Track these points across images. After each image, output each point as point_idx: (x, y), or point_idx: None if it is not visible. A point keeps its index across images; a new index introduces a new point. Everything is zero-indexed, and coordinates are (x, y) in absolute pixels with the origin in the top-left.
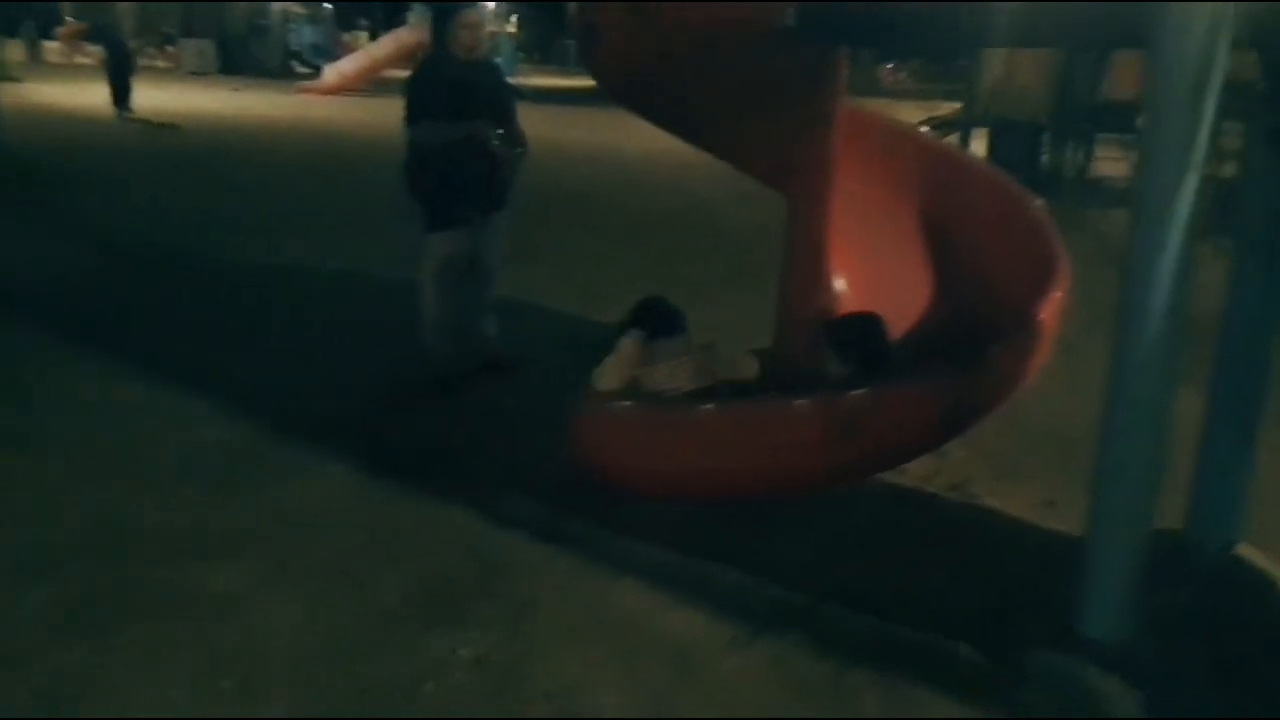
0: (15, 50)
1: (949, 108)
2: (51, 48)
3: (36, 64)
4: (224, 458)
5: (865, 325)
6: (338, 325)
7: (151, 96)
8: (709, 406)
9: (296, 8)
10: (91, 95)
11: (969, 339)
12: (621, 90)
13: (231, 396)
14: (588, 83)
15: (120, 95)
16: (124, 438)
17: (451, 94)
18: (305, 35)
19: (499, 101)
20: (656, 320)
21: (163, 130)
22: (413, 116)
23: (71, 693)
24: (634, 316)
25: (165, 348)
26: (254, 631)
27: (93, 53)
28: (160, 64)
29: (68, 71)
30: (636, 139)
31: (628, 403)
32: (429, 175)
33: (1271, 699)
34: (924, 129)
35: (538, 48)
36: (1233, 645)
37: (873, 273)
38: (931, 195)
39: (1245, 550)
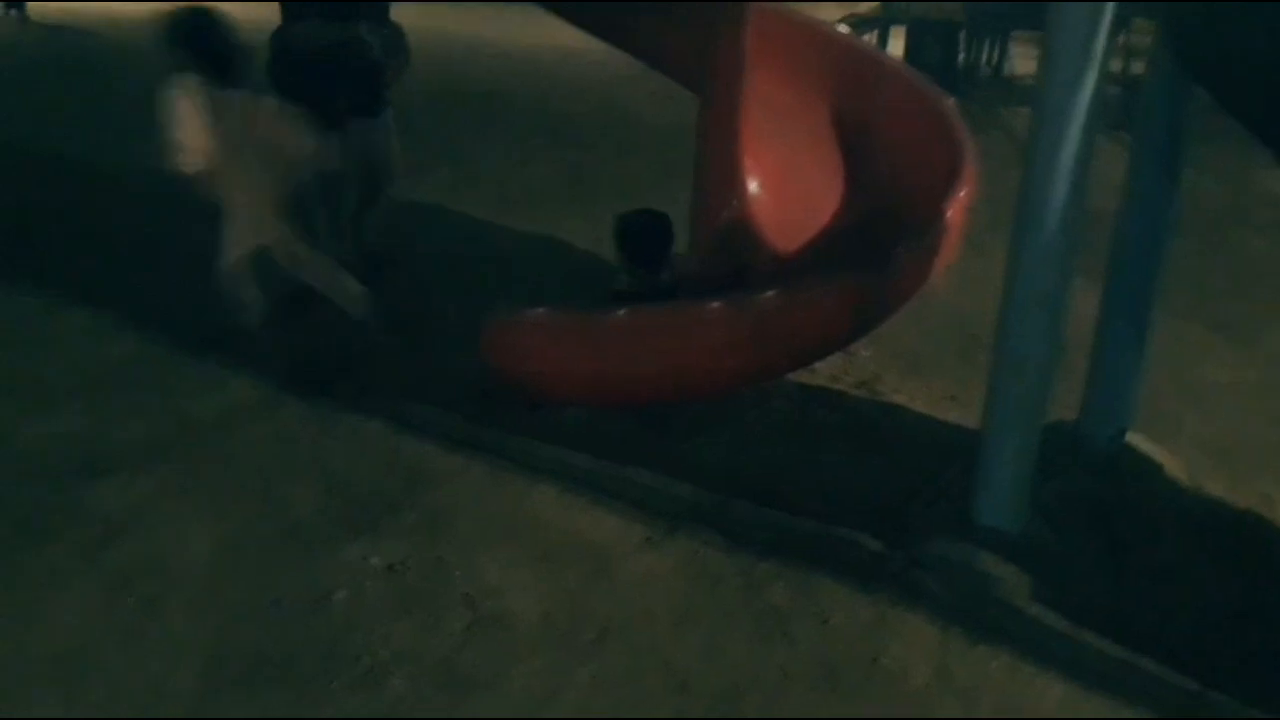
0: None
1: (868, 6)
2: None
3: None
4: (129, 372)
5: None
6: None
7: None
8: (619, 312)
9: None
10: None
11: (881, 238)
12: None
13: (136, 311)
14: None
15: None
16: (22, 353)
17: None
18: None
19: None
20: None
21: None
22: (287, 16)
23: None
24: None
25: (66, 259)
26: (159, 548)
27: None
28: None
29: None
30: (551, 38)
31: (541, 309)
32: (301, 79)
33: (1156, 579)
34: (842, 27)
35: None
36: (1121, 530)
37: (786, 173)
38: (846, 94)
39: (1135, 438)
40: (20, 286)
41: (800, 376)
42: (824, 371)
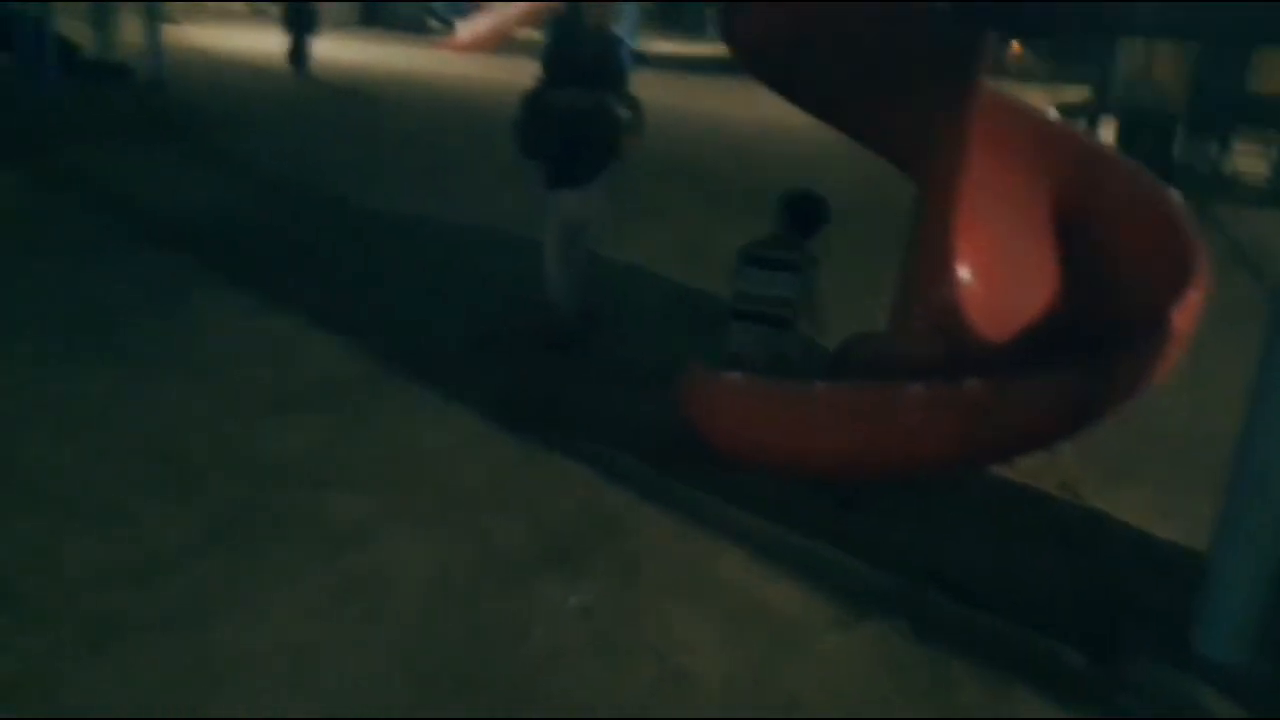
0: None
1: (1077, 92)
2: None
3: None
4: (355, 391)
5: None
6: (471, 275)
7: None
8: (825, 386)
9: None
10: (243, 39)
11: (1097, 334)
12: (761, 62)
13: (367, 335)
14: (708, 50)
15: (298, 55)
16: (262, 368)
17: (577, 62)
18: None
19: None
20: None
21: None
22: (550, 81)
23: (211, 604)
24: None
25: (309, 285)
26: (380, 561)
27: None
28: None
29: (220, 15)
30: (754, 109)
31: (740, 374)
32: (551, 137)
33: None
34: (1050, 114)
35: (663, 14)
36: None
37: (999, 259)
38: (1066, 184)
39: None
40: (266, 308)
41: (1000, 470)
42: (1025, 468)
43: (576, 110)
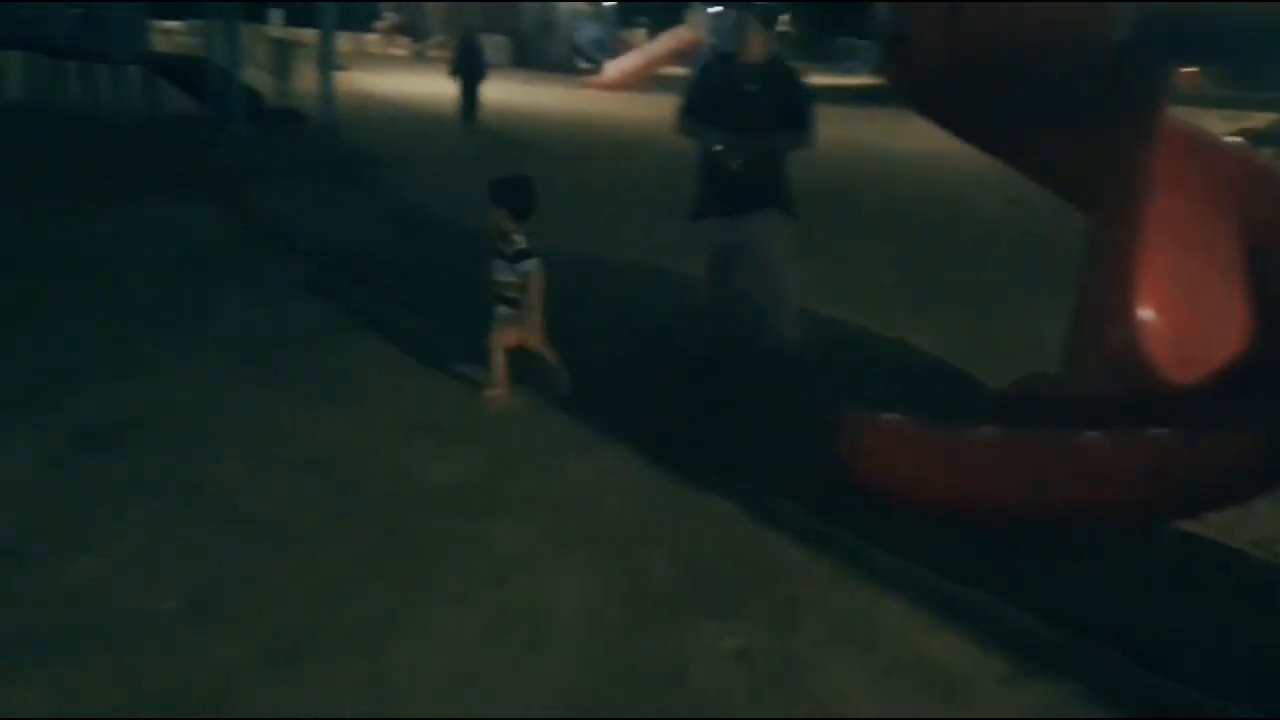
0: (344, 42)
1: (1263, 118)
2: (370, 40)
3: (359, 55)
4: (512, 425)
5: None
6: (625, 311)
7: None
8: (997, 431)
9: (582, 6)
10: (408, 84)
11: None
12: (922, 96)
13: (521, 370)
14: (856, 81)
15: (468, 106)
16: (425, 397)
17: (733, 99)
18: (588, 32)
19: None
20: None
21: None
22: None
23: (383, 626)
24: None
25: (469, 319)
26: (539, 592)
27: (404, 44)
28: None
29: (384, 62)
30: (901, 138)
31: (902, 418)
32: (701, 168)
33: None
34: (1233, 141)
35: (809, 45)
36: None
37: (1185, 300)
38: (1254, 217)
39: None
40: (428, 339)
41: (1188, 524)
42: (1216, 522)
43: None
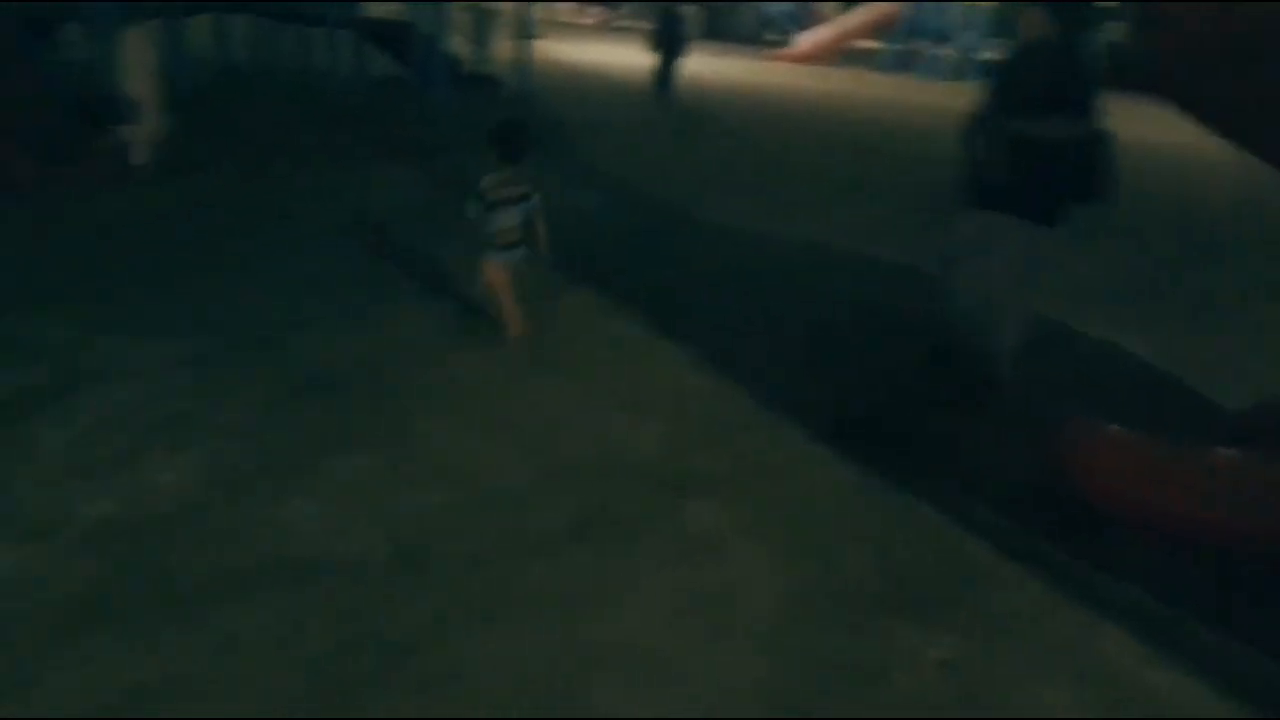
0: (535, 10)
1: None
2: (561, 8)
3: (550, 23)
4: (710, 403)
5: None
6: (819, 292)
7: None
8: (1233, 452)
9: None
10: (600, 53)
11: None
12: (1179, 84)
13: (708, 344)
14: None
15: (663, 79)
16: (621, 372)
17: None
18: (779, 4)
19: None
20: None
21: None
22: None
23: (578, 594)
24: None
25: (669, 295)
26: (728, 579)
27: (595, 13)
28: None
29: (575, 31)
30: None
31: (1132, 433)
32: (1030, 167)
33: None
34: None
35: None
36: None
37: None
38: None
39: None
40: (627, 314)
41: None
42: None
43: (1070, 142)
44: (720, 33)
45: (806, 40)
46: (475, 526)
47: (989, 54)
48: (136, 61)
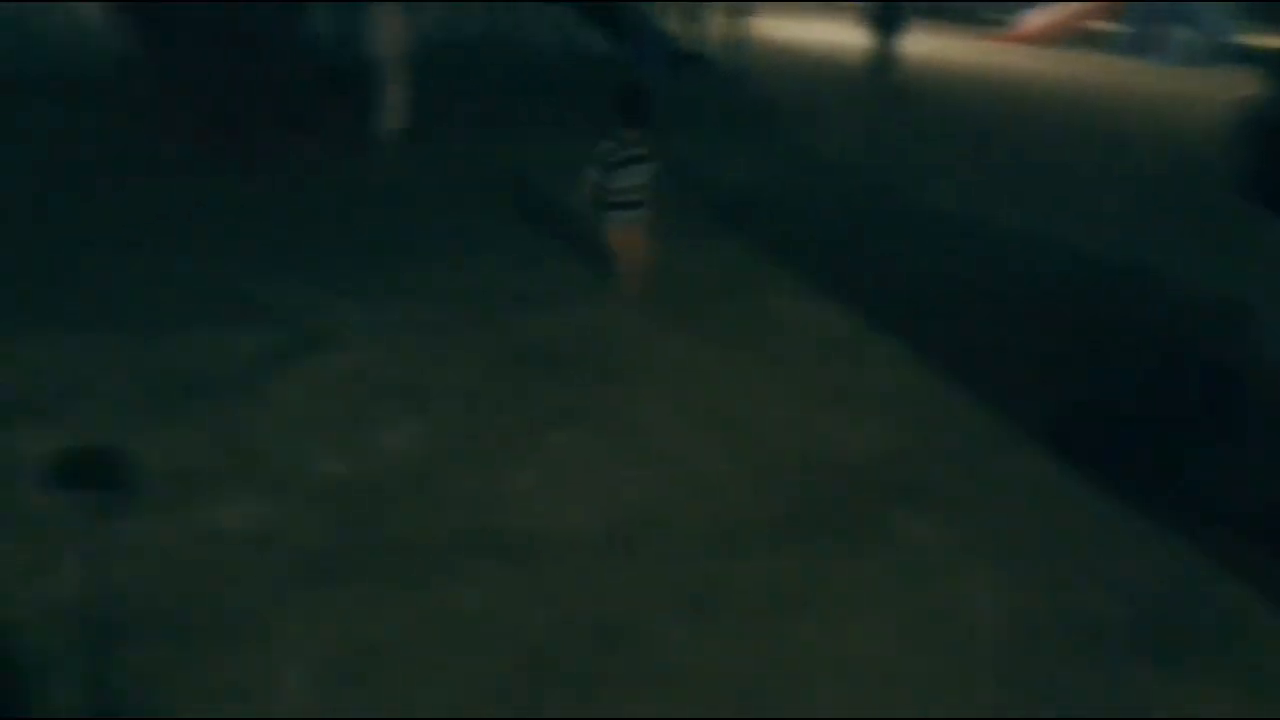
0: None
1: None
2: None
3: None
4: (928, 405)
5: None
6: (1080, 301)
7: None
8: None
9: None
10: (811, 31)
11: None
12: None
13: (945, 349)
14: None
15: (882, 59)
16: (833, 365)
17: None
18: None
19: None
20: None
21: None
22: None
23: (790, 599)
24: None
25: (882, 285)
26: (952, 597)
27: None
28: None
29: (785, 8)
30: None
31: None
32: None
33: None
34: None
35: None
36: None
37: None
38: None
39: None
40: (818, 298)
41: None
42: None
43: None
44: (935, 10)
45: (1033, 19)
46: (684, 514)
47: (1245, 39)
48: (389, 34)
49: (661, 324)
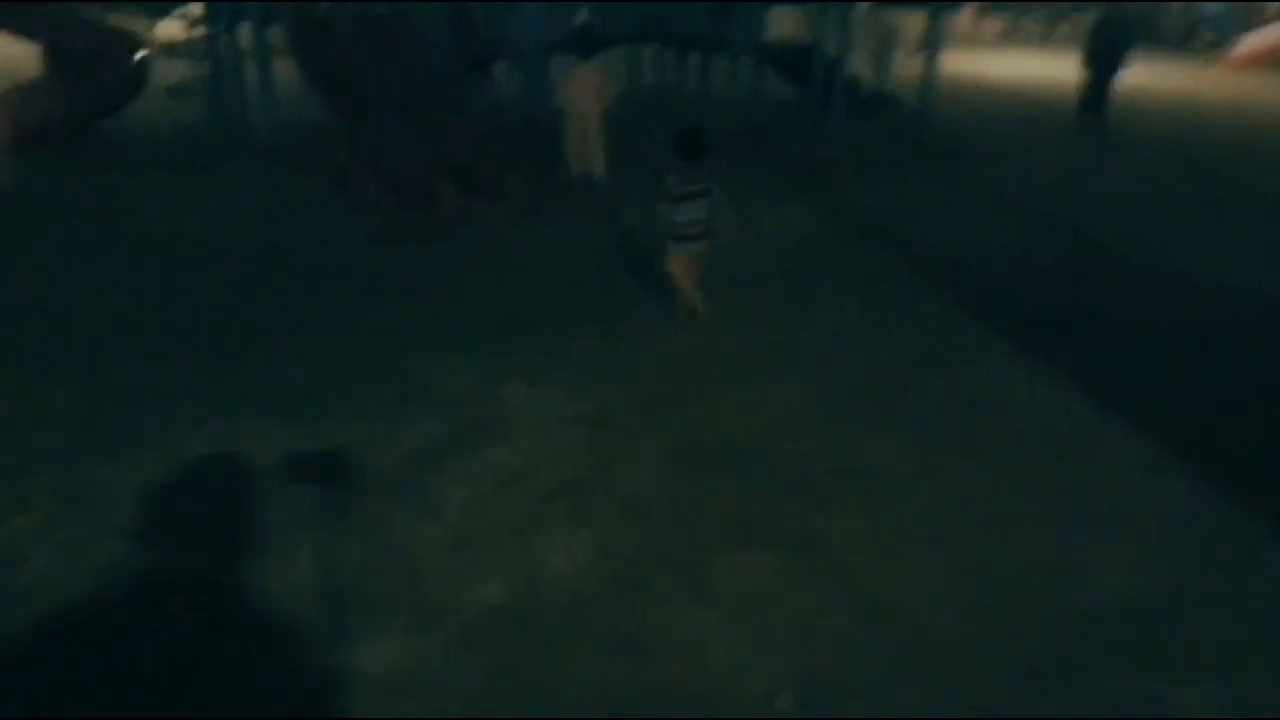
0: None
1: None
2: (962, 20)
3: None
4: (1193, 530)
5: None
6: None
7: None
8: None
9: None
10: (1001, 66)
11: None
12: None
13: (1204, 447)
14: None
15: (1094, 98)
16: (1063, 466)
17: None
18: (1208, 6)
19: None
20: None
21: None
22: None
23: None
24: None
25: (1107, 360)
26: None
27: (998, 21)
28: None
29: (972, 42)
30: None
31: None
32: None
33: None
34: None
35: None
36: None
37: None
38: None
39: None
40: (1074, 377)
41: None
42: None
43: None
44: (1143, 36)
45: (1251, 44)
46: (902, 681)
47: None
48: (587, 95)
49: (850, 409)
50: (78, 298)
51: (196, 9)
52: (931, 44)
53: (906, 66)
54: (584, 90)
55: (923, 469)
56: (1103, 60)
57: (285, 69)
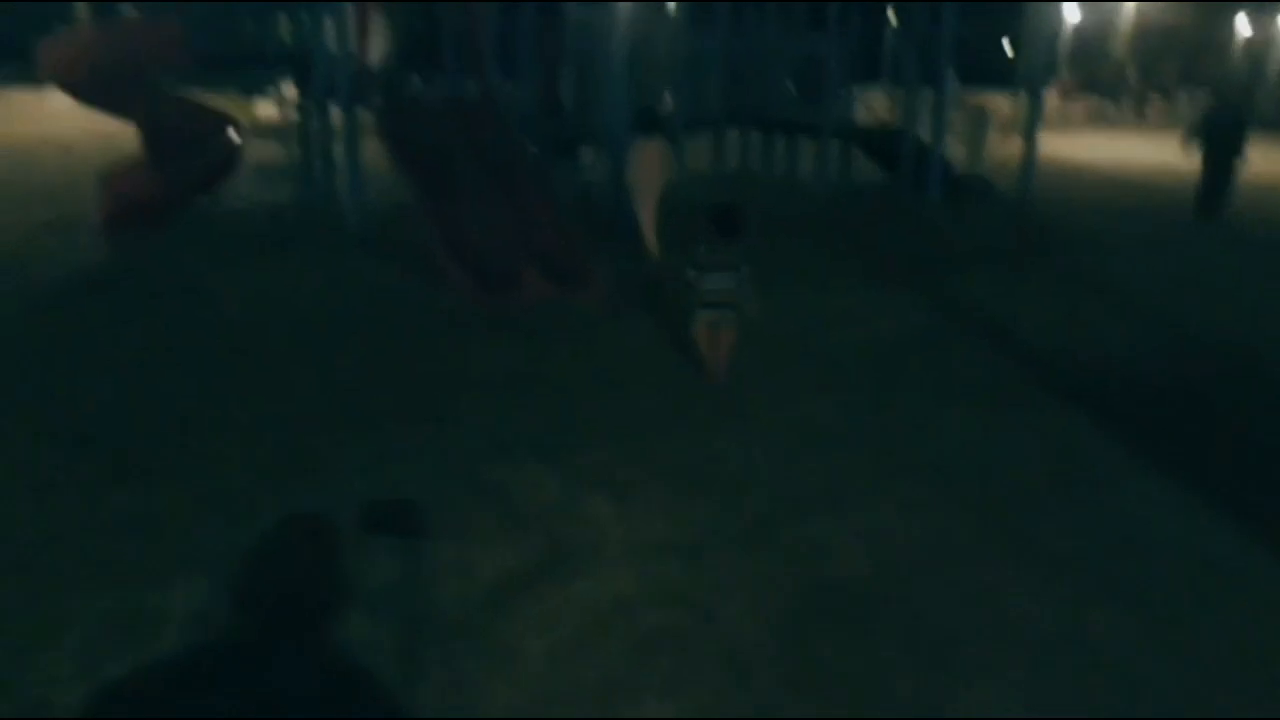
0: (1009, 103)
1: None
2: (1049, 100)
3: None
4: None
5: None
6: None
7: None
8: None
9: None
10: (1090, 148)
11: None
12: None
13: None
14: None
15: (1212, 191)
16: (1217, 612)
17: None
18: None
19: None
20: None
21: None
22: None
23: None
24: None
25: (1251, 486)
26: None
27: (1085, 104)
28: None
29: (1061, 124)
30: None
31: None
32: None
33: None
34: None
35: None
36: None
37: None
38: None
39: None
40: (1230, 519)
41: None
42: None
43: None
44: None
45: None
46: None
47: None
48: (649, 177)
49: (983, 542)
50: (143, 392)
51: (292, 91)
52: (1029, 126)
53: (999, 149)
54: (647, 170)
55: (1080, 621)
56: (1217, 148)
57: (373, 149)
